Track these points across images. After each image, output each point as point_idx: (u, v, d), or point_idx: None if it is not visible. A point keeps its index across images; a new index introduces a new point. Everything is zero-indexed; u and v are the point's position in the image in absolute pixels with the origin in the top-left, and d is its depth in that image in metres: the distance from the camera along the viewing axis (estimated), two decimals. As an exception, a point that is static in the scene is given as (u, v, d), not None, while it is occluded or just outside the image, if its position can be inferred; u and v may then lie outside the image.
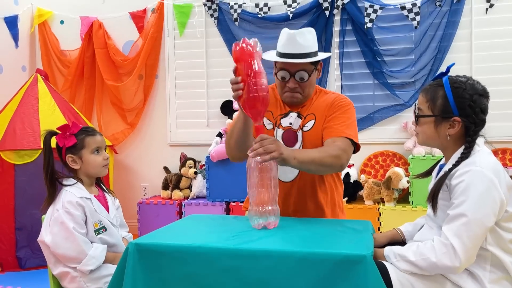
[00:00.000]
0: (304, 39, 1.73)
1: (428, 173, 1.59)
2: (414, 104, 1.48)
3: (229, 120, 3.56)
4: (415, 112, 1.46)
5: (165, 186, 3.75)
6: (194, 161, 3.70)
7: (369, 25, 3.35)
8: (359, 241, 1.38)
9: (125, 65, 3.91)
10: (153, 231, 1.56)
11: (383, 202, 3.22)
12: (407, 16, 3.29)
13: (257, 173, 1.54)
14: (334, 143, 1.70)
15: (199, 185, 3.61)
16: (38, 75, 3.45)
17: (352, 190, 3.31)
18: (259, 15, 3.58)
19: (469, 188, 1.26)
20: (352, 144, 1.74)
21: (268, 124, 1.89)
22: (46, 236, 1.67)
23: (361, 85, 3.46)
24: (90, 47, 3.97)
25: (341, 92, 3.47)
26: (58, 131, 1.74)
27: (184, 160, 3.70)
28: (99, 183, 1.88)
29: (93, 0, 4.03)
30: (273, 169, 1.56)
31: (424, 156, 3.12)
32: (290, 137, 1.86)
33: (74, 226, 1.65)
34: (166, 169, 3.86)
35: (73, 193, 1.70)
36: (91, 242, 1.69)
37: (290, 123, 1.87)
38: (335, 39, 3.48)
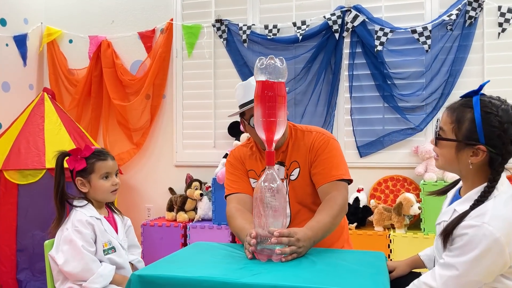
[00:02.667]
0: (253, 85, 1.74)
1: (443, 192, 1.51)
2: (437, 120, 1.34)
3: (236, 142, 3.51)
4: (436, 132, 1.32)
5: (170, 208, 3.68)
6: (200, 182, 3.63)
7: (379, 48, 3.31)
8: (374, 278, 1.31)
9: (132, 85, 3.89)
10: (156, 261, 1.49)
11: (394, 228, 3.13)
12: (418, 39, 3.26)
13: (264, 204, 1.50)
14: (330, 194, 1.72)
15: (205, 207, 3.54)
16: (45, 93, 3.44)
17: (362, 216, 3.22)
18: (268, 37, 3.56)
19: (468, 244, 1.15)
20: (345, 181, 1.77)
21: (253, 183, 1.90)
22: (57, 253, 1.67)
23: (371, 108, 3.41)
24: (98, 66, 3.97)
25: (351, 115, 3.42)
26: (70, 153, 1.77)
27: (189, 181, 3.64)
28: (109, 204, 1.90)
29: (102, 20, 4.04)
30: (283, 200, 1.51)
31: (436, 181, 3.03)
32: None
33: (83, 244, 1.65)
34: (171, 190, 3.80)
35: (83, 213, 1.71)
36: (100, 262, 1.69)
37: None
38: (345, 62, 3.45)
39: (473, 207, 1.21)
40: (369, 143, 3.36)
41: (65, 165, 1.77)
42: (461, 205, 1.28)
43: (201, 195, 3.54)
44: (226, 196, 1.97)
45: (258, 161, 1.90)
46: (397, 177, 3.33)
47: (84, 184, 1.77)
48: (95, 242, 1.69)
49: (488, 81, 1.40)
